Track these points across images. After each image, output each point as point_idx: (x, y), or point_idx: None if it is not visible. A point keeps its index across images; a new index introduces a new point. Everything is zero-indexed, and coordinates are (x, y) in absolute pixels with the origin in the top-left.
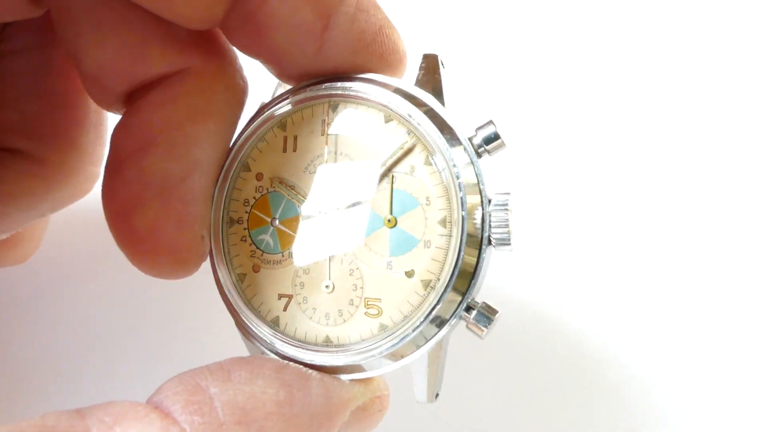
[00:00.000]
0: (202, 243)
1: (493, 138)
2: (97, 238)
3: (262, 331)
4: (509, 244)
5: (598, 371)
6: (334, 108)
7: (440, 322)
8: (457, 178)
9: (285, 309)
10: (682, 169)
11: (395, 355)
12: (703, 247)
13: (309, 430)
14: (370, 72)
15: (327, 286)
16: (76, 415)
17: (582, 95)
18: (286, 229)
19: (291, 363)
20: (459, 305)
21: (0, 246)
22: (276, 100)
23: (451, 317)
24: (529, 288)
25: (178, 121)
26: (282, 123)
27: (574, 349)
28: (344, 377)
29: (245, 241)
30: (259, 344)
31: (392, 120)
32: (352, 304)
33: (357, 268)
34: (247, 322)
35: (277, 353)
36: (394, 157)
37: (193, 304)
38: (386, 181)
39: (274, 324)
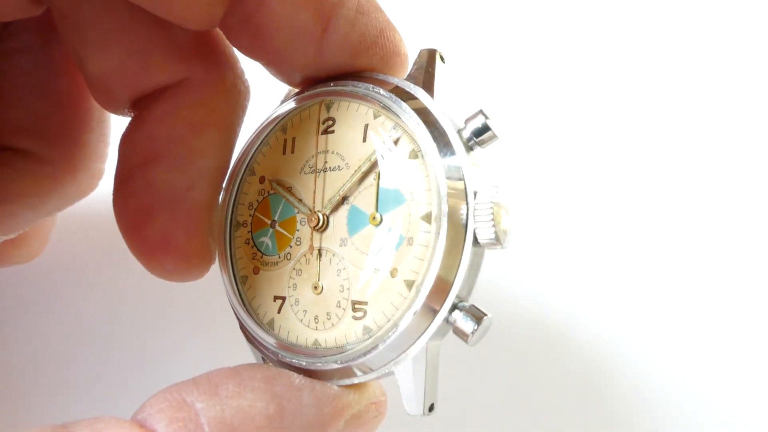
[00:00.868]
0: (209, 248)
1: (483, 130)
2: (103, 236)
3: (258, 334)
4: (497, 242)
5: (606, 379)
6: (328, 107)
7: (424, 326)
8: (441, 171)
9: (279, 311)
10: (687, 166)
11: (380, 360)
12: (706, 245)
13: None
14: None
15: (315, 287)
16: (61, 430)
17: (582, 90)
18: (284, 231)
19: (283, 370)
20: (443, 307)
21: (8, 245)
22: (281, 104)
23: (434, 320)
24: (534, 291)
25: (182, 134)
26: (283, 126)
27: (581, 357)
28: (336, 383)
29: (248, 243)
30: (257, 347)
31: (380, 115)
32: (339, 306)
33: (344, 269)
34: (246, 324)
35: (272, 357)
36: (380, 153)
37: (200, 297)
38: (372, 177)
39: (269, 327)
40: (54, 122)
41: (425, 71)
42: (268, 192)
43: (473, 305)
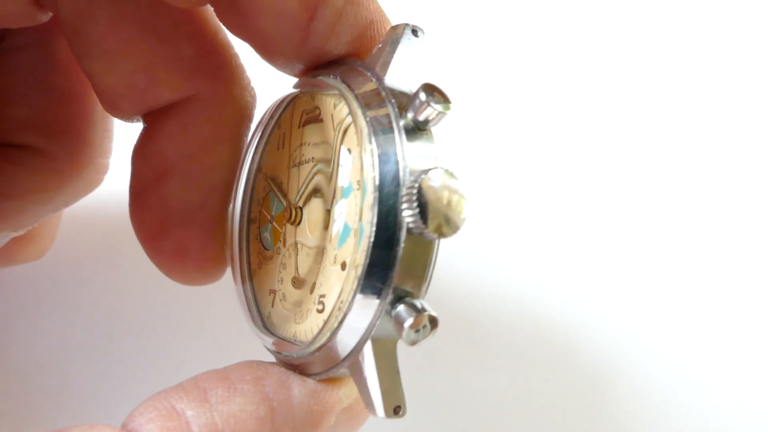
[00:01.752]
0: (223, 255)
1: (421, 107)
2: (108, 232)
3: (258, 326)
4: (426, 229)
5: (611, 382)
6: (313, 98)
7: (366, 320)
8: (370, 158)
9: (272, 305)
10: (690, 160)
11: (333, 356)
12: (715, 240)
13: None
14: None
15: (295, 281)
16: None
17: (574, 78)
18: (277, 226)
19: (272, 368)
20: (381, 299)
21: (17, 243)
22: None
23: (374, 313)
24: (536, 291)
25: (193, 152)
26: (278, 122)
27: (585, 359)
28: (317, 377)
29: (257, 239)
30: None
31: (339, 103)
32: (310, 300)
33: (315, 263)
34: (249, 318)
35: (271, 350)
36: (335, 144)
37: (209, 294)
38: (331, 169)
39: (267, 320)
40: (58, 118)
41: (385, 49)
42: (269, 188)
43: (422, 302)
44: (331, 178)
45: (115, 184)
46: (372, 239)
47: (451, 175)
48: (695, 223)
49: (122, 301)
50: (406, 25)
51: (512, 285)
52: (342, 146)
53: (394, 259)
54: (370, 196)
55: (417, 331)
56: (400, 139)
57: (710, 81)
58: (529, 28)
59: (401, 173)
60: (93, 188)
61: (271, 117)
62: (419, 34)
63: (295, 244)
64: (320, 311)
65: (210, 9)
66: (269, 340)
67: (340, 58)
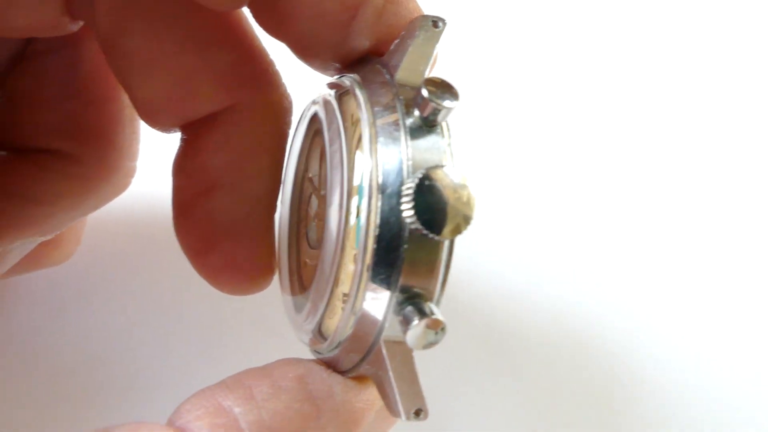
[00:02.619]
0: (272, 264)
1: (422, 102)
2: (134, 232)
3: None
4: (425, 229)
5: (625, 386)
6: (340, 100)
7: (376, 321)
8: (376, 155)
9: None
10: (694, 162)
11: (353, 354)
12: (724, 238)
13: None
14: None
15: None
16: None
17: (577, 79)
18: (316, 224)
19: (313, 366)
20: (390, 299)
21: (45, 247)
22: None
23: (385, 314)
24: (553, 293)
25: (236, 163)
26: (312, 123)
27: (600, 363)
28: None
29: (304, 238)
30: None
31: (351, 101)
32: (335, 296)
33: (344, 263)
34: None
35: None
36: (353, 141)
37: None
38: (350, 168)
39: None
40: (86, 122)
41: (404, 43)
42: (311, 187)
43: (431, 305)
44: (343, 177)
45: (139, 186)
46: (376, 240)
47: (456, 172)
48: (717, 225)
49: (148, 300)
50: (426, 16)
51: (528, 287)
52: (355, 147)
53: (398, 259)
54: (375, 197)
55: (422, 334)
56: (405, 138)
57: (715, 81)
58: (537, 22)
59: (405, 173)
60: (121, 191)
61: (311, 124)
62: (440, 25)
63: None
64: (343, 309)
65: (245, 14)
66: (306, 338)
67: (366, 54)
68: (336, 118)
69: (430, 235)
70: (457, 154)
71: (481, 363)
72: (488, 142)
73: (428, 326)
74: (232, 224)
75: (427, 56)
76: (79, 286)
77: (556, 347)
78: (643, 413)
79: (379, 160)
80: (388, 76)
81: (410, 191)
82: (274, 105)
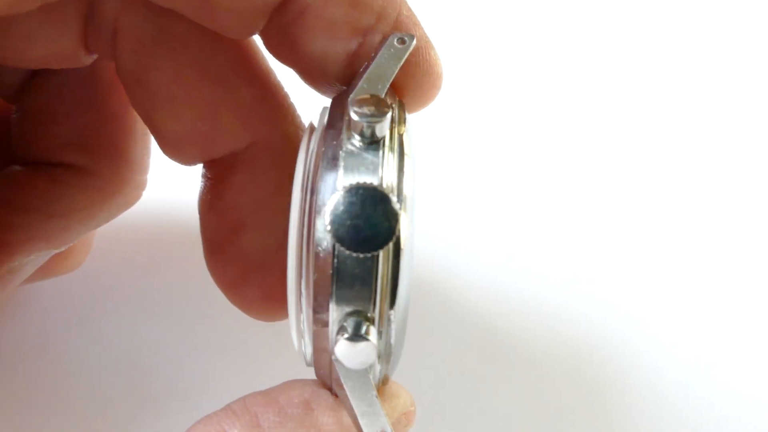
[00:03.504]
0: None
1: (349, 122)
2: (143, 241)
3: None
4: (341, 246)
5: (623, 389)
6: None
7: (322, 341)
8: (305, 181)
9: None
10: (696, 163)
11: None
12: (728, 239)
13: None
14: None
15: None
16: None
17: (568, 78)
18: None
19: (317, 390)
20: (331, 320)
21: (57, 257)
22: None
23: (330, 335)
24: (549, 297)
25: (263, 200)
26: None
27: (597, 366)
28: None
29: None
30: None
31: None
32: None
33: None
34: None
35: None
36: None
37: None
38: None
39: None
40: (101, 136)
41: (367, 63)
42: None
43: (366, 324)
44: (292, 203)
45: (149, 194)
46: (313, 262)
47: (381, 188)
48: (712, 224)
49: (158, 307)
50: (394, 35)
51: (523, 291)
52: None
53: (331, 280)
54: (313, 220)
55: (347, 351)
56: (342, 160)
57: (710, 80)
58: (529, 24)
59: (334, 195)
60: (132, 204)
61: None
62: (406, 41)
63: None
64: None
65: (260, 48)
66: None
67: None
68: (303, 144)
69: (354, 254)
70: (394, 168)
71: (476, 367)
72: (487, 142)
73: (353, 343)
74: (264, 258)
75: (387, 74)
76: (90, 294)
77: (551, 351)
78: (639, 417)
79: (318, 185)
80: (347, 97)
81: (332, 211)
82: (290, 138)
